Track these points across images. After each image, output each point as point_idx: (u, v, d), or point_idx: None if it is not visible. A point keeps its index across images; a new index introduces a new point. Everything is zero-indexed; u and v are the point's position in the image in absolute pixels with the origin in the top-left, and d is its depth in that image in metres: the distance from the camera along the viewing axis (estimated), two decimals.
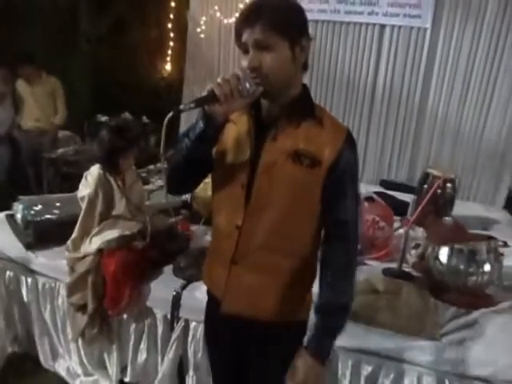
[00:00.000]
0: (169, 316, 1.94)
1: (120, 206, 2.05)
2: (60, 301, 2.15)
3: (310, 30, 1.11)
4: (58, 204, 2.43)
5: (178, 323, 1.92)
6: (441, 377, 1.64)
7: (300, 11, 1.07)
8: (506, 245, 1.93)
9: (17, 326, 2.31)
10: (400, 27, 3.73)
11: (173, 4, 4.56)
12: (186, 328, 1.93)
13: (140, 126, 4.20)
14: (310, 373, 1.10)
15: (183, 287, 1.93)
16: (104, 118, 4.68)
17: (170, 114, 1.02)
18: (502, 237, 2.02)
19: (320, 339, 1.14)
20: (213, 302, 1.29)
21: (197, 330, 1.90)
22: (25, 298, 2.24)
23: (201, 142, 1.07)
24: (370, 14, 3.74)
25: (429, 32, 3.66)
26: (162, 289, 1.97)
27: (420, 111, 3.87)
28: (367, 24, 3.81)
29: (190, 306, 1.88)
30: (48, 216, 2.31)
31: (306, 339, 1.16)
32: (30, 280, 2.20)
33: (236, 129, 1.15)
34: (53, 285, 2.17)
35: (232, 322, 1.21)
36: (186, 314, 1.91)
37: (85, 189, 2.07)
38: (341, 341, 1.72)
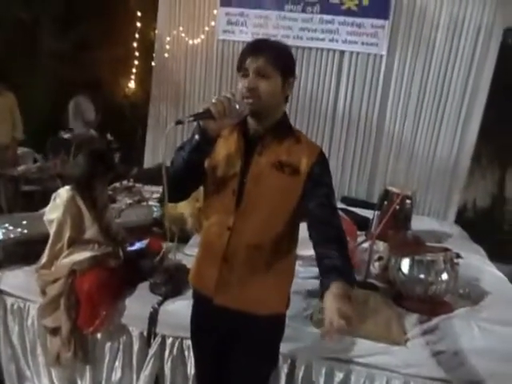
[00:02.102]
0: (145, 333, 1.96)
1: (91, 231, 2.05)
2: (30, 322, 2.10)
3: None
4: (24, 222, 2.40)
5: (154, 339, 1.94)
6: (407, 380, 1.76)
7: (292, 57, 1.36)
8: (458, 256, 2.11)
9: None
10: (358, 53, 3.99)
11: (138, 24, 4.60)
12: (163, 344, 1.94)
13: (106, 144, 4.18)
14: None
15: (160, 303, 1.95)
16: (67, 135, 4.61)
17: (172, 125, 1.21)
18: (455, 249, 2.19)
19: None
20: (201, 301, 1.43)
21: (174, 345, 1.93)
22: None
23: (196, 153, 1.24)
24: (330, 40, 3.98)
25: (384, 58, 3.94)
26: (137, 306, 1.98)
27: (377, 132, 4.11)
28: (328, 50, 4.05)
29: (167, 321, 1.91)
30: (15, 235, 2.27)
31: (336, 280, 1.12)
32: None
33: (227, 145, 1.34)
34: (22, 305, 2.12)
35: (222, 314, 1.35)
36: (163, 329, 1.93)
37: (53, 211, 2.05)
38: (314, 350, 1.82)
